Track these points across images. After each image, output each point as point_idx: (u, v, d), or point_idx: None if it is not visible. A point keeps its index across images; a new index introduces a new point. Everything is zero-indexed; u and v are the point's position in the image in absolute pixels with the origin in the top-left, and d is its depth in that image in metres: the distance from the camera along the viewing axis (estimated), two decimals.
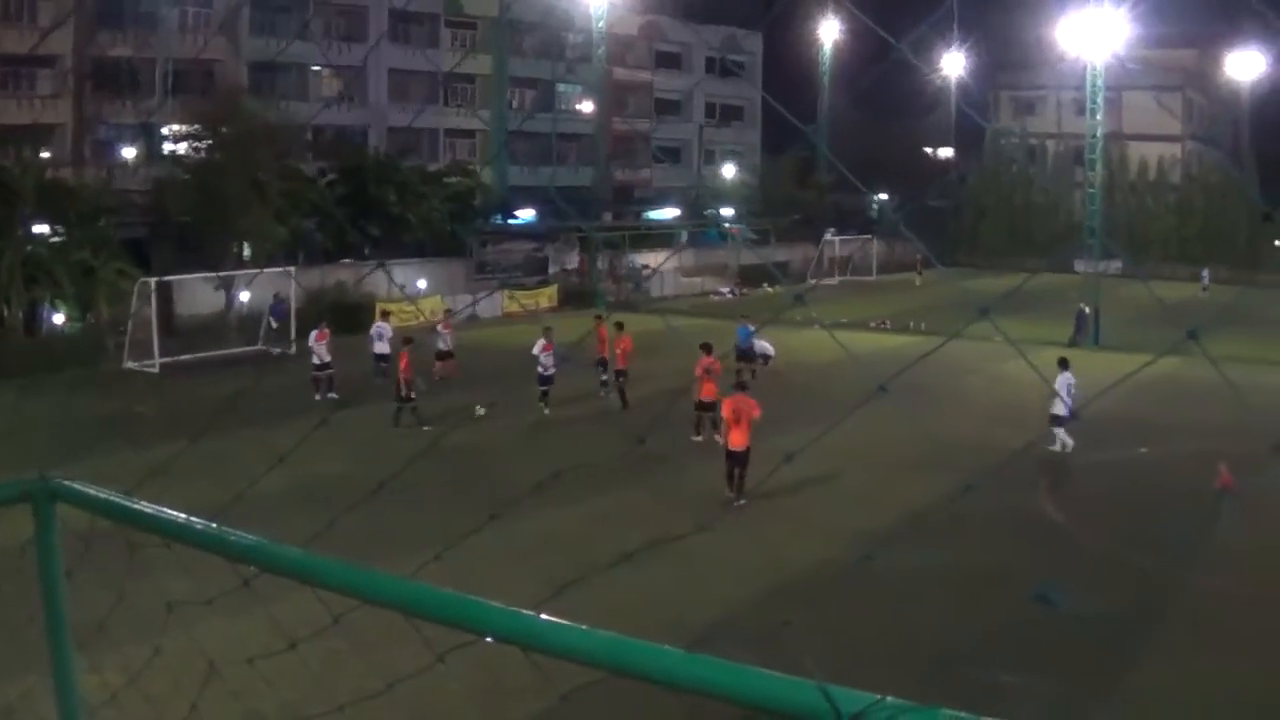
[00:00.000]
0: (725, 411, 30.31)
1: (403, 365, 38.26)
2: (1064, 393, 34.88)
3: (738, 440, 29.57)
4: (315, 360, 43.15)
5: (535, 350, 40.74)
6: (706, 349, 37.12)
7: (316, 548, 3.54)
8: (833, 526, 27.52)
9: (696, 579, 23.47)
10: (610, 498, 28.68)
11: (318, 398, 42.37)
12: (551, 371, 40.65)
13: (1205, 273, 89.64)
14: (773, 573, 24.30)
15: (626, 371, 41.28)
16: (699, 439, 35.62)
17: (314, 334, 43.63)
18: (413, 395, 38.01)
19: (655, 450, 33.03)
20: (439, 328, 46.35)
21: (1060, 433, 35.44)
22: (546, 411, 40.22)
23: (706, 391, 36.11)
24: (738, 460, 29.60)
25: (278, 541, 3.67)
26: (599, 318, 41.91)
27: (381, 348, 45.32)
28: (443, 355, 44.82)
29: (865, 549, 25.70)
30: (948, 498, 28.74)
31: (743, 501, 29.48)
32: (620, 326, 41.87)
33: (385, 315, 48.38)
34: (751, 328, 46.96)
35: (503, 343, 48.11)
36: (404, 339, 40.83)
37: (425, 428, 37.27)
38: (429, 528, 23.46)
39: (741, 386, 31.21)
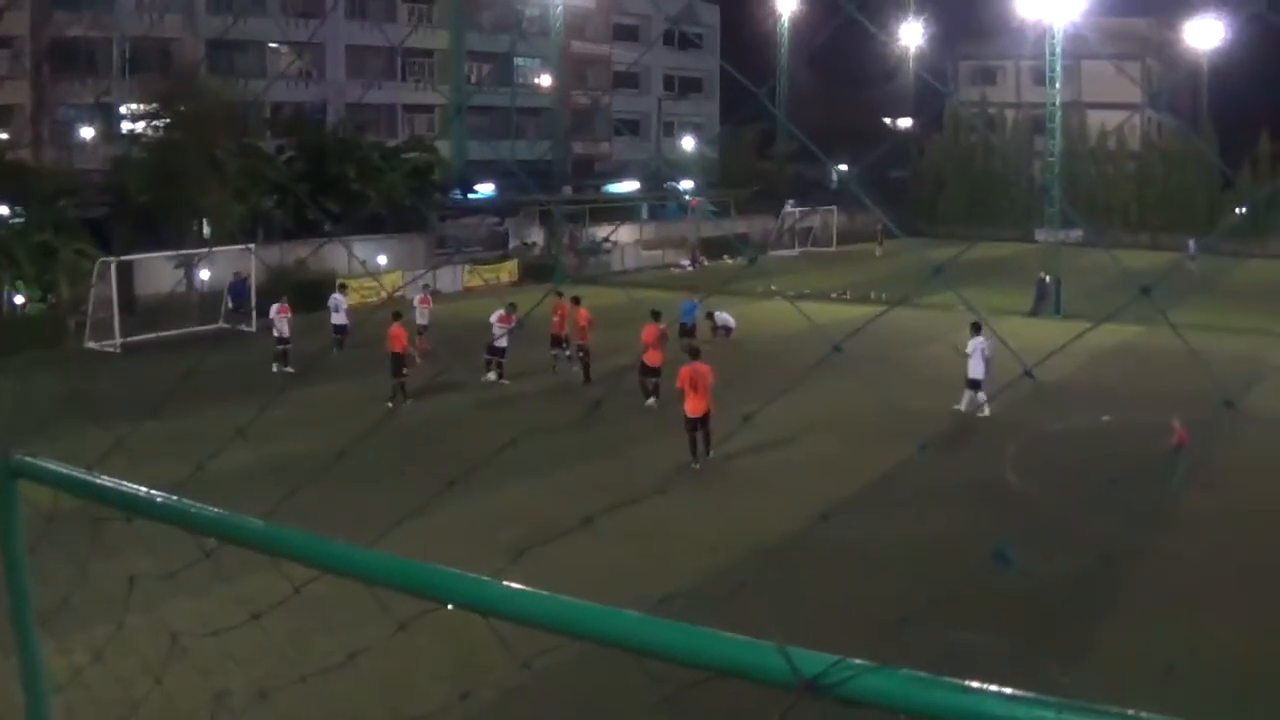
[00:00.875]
0: (681, 381, 30.51)
1: (404, 339, 38.66)
2: (978, 357, 36.08)
3: (695, 407, 29.93)
4: (276, 334, 43.67)
5: (492, 319, 41.20)
6: (655, 316, 38.53)
7: (280, 522, 3.55)
8: (796, 495, 27.58)
9: (660, 550, 23.62)
10: (574, 471, 28.73)
11: (275, 369, 42.95)
12: (503, 343, 40.87)
13: (1191, 242, 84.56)
14: (736, 541, 24.43)
15: (587, 345, 41.26)
16: (651, 403, 36.51)
17: (274, 307, 44.17)
18: (404, 370, 38.24)
19: (619, 422, 33.16)
20: (417, 303, 46.23)
21: (976, 396, 36.40)
22: (505, 382, 40.58)
23: (651, 358, 36.83)
24: (697, 426, 30.02)
25: (240, 515, 3.68)
26: (559, 293, 42.03)
27: (338, 319, 46.10)
28: (422, 330, 44.80)
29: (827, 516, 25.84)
30: (910, 465, 28.93)
31: (710, 455, 30.21)
32: (576, 301, 41.87)
33: (342, 288, 48.53)
34: (696, 302, 46.90)
35: (464, 316, 48.02)
36: (394, 313, 40.86)
37: (388, 404, 37.41)
38: (392, 501, 23.45)
39: (694, 353, 31.47)
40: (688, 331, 43.79)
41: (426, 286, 50.12)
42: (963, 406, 36.45)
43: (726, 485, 28.88)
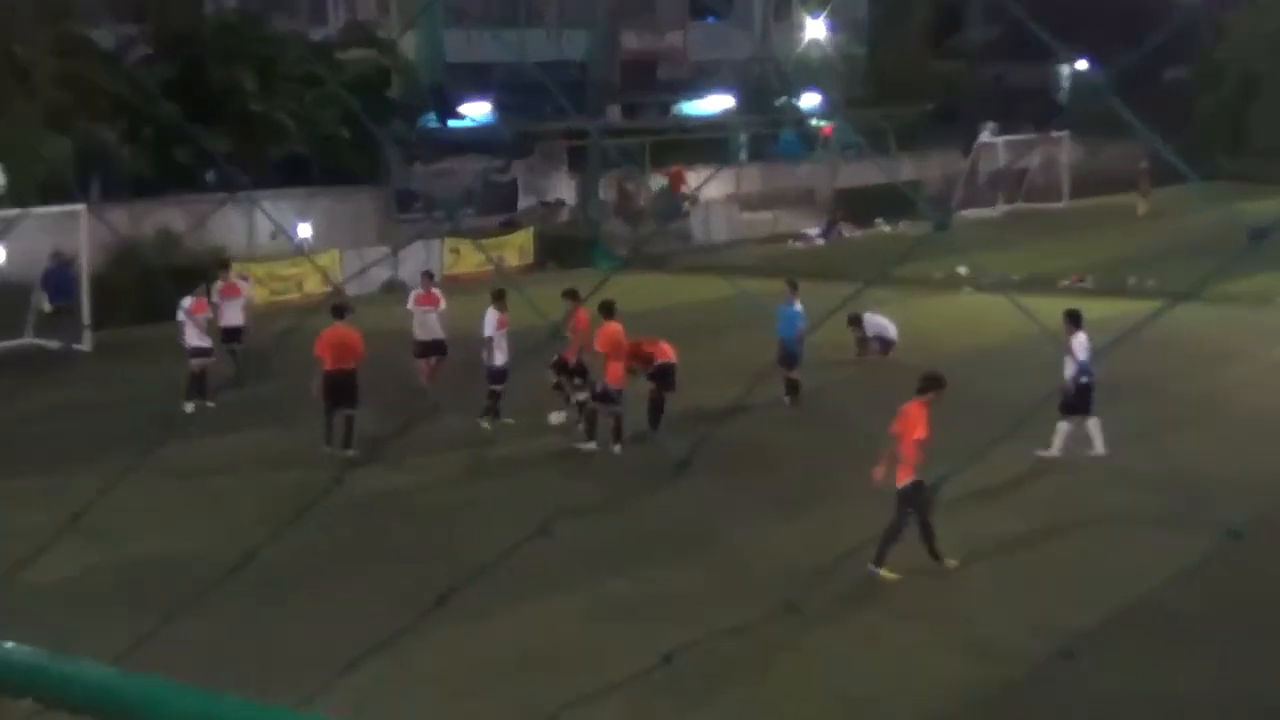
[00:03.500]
0: (899, 426, 29.92)
1: (351, 348, 39.11)
2: (1080, 358, 36.91)
3: (902, 474, 29.31)
4: (190, 345, 44.24)
5: (487, 329, 41.32)
6: (607, 312, 38.88)
7: (149, 665, 3.59)
8: (1004, 616, 27.39)
9: (776, 709, 23.49)
10: (627, 577, 28.82)
11: (189, 408, 43.56)
12: (503, 363, 41.40)
13: None
14: (902, 699, 24.33)
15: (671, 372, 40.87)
16: (591, 445, 39.18)
17: (188, 301, 44.86)
18: (352, 399, 39.02)
19: (702, 497, 32.70)
20: (414, 302, 45.59)
21: (1086, 424, 37.49)
22: (510, 421, 41.47)
23: (613, 376, 38.75)
24: (910, 501, 29.25)
25: (70, 656, 3.71)
26: (572, 294, 41.34)
27: (232, 318, 46.45)
28: (429, 347, 44.97)
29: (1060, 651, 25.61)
30: (1208, 568, 28.60)
31: (953, 563, 29.76)
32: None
33: (241, 276, 49.83)
34: (798, 306, 45.49)
35: (451, 321, 47.58)
36: (334, 307, 40.97)
37: (326, 448, 38.27)
38: (338, 632, 23.60)
39: (932, 387, 30.92)
40: (788, 356, 42.90)
41: (430, 276, 49.01)
42: (1056, 449, 37.29)
43: (890, 601, 28.63)
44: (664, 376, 40.32)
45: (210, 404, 43.38)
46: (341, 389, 38.58)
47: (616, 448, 38.43)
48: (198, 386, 43.93)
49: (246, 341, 46.19)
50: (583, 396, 41.58)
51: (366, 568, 28.52)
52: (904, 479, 29.20)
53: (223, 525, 29.98)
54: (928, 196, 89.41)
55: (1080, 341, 37.14)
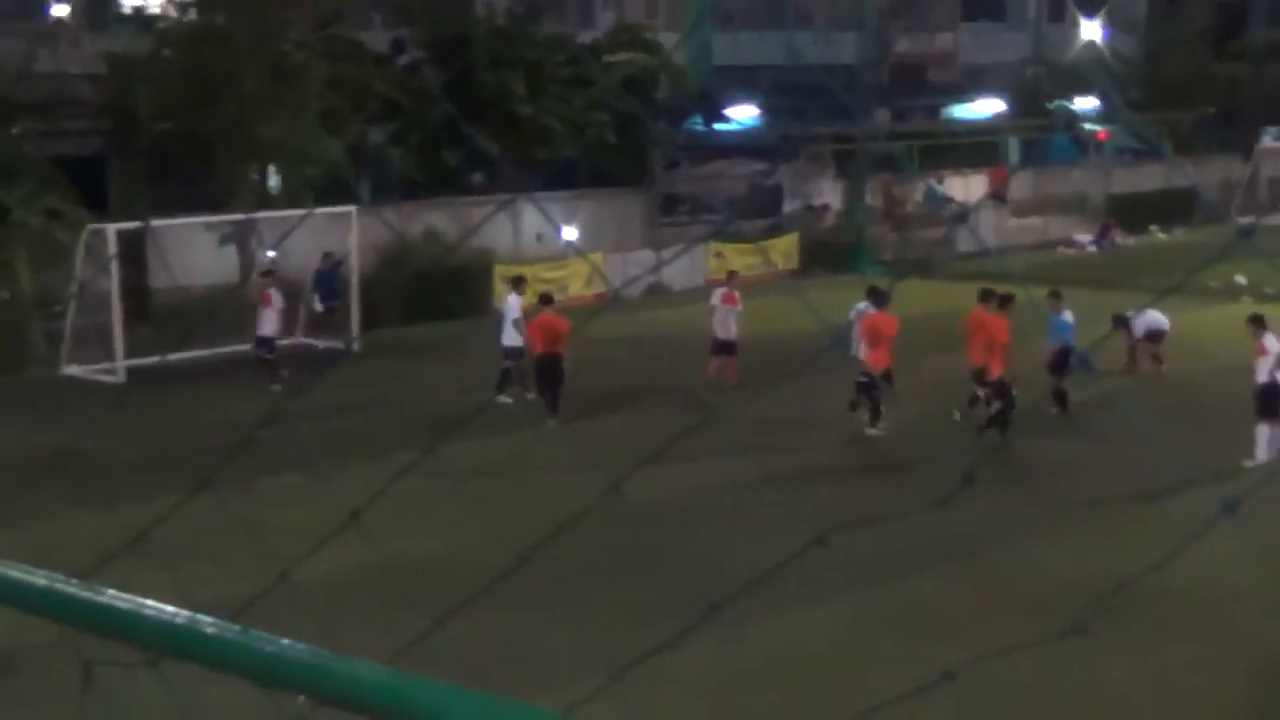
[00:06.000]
0: None
1: (558, 333, 41.67)
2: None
3: None
4: (509, 342, 44.89)
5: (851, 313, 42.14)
6: (878, 299, 40.99)
7: (411, 668, 3.52)
8: None
9: None
10: (894, 588, 28.54)
11: (504, 400, 44.02)
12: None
13: None
14: None
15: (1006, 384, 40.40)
16: (874, 430, 40.93)
17: (513, 300, 45.99)
18: (559, 382, 41.93)
19: (969, 509, 31.85)
20: (719, 300, 46.59)
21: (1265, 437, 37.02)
22: (875, 429, 41.37)
23: (876, 359, 40.25)
24: None
25: (345, 657, 3.66)
26: (878, 292, 41.21)
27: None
28: (725, 346, 45.73)
29: None
30: None
31: None
32: (1002, 302, 41.15)
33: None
34: (1069, 317, 44.36)
35: (708, 329, 47.48)
36: (542, 296, 44.17)
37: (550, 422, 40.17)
38: (604, 634, 23.54)
39: None
40: (1059, 362, 42.12)
41: (732, 275, 48.90)
42: (1260, 455, 36.50)
43: (1170, 622, 27.81)
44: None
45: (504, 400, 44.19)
46: (550, 370, 42.14)
47: (872, 429, 40.67)
48: (509, 381, 44.62)
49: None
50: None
51: (630, 574, 28.50)
52: None
53: (486, 526, 29.98)
54: (1206, 203, 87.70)
55: (1271, 343, 37.43)
